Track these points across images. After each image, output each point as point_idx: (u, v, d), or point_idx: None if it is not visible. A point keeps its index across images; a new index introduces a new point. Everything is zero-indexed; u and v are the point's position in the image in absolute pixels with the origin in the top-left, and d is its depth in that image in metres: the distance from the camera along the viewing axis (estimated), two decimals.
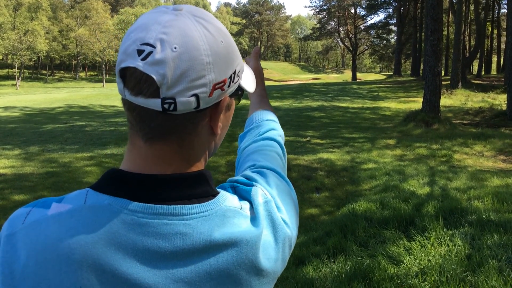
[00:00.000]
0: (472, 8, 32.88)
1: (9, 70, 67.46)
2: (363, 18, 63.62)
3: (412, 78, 35.48)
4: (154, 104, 0.69)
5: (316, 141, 11.50)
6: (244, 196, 0.83)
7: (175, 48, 0.68)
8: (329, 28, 66.82)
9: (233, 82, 0.78)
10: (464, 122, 15.09)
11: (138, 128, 0.73)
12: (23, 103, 24.04)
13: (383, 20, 59.90)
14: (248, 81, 0.90)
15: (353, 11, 63.44)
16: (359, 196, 6.46)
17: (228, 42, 0.76)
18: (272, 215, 0.81)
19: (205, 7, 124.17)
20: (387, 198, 5.89)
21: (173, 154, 0.74)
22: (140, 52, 0.68)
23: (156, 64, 0.67)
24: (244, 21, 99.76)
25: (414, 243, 4.32)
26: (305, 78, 77.50)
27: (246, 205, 0.80)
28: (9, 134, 12.69)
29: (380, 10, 57.43)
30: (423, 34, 31.52)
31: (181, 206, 0.71)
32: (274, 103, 20.59)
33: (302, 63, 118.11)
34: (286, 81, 68.82)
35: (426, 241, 4.33)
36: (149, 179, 0.72)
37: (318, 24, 69.50)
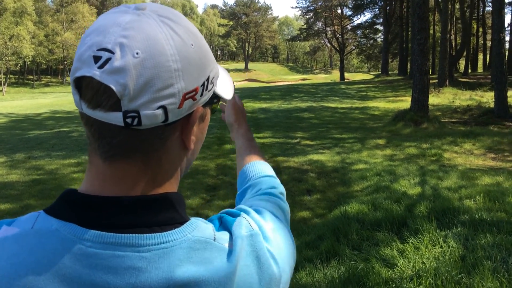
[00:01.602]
0: (457, 6, 33.16)
1: None
2: (350, 18, 63.82)
3: (399, 77, 35.65)
4: (115, 118, 0.60)
5: (306, 142, 11.45)
6: (226, 226, 0.72)
7: (137, 53, 0.59)
8: (316, 28, 66.94)
9: (206, 90, 0.69)
10: (453, 120, 15.15)
11: (96, 145, 0.64)
12: (8, 109, 23.71)
13: (370, 20, 60.23)
14: (224, 88, 0.79)
15: (339, 11, 63.65)
16: (350, 198, 6.40)
17: (199, 45, 0.67)
18: (258, 251, 0.70)
19: (192, 9, 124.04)
20: (378, 199, 5.84)
21: (137, 174, 0.65)
22: (96, 59, 0.59)
23: (115, 72, 0.58)
24: (231, 22, 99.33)
25: (407, 245, 4.26)
26: (294, 78, 77.67)
27: (224, 235, 0.69)
28: None
29: (366, 10, 57.72)
30: (409, 33, 31.70)
31: (136, 235, 0.61)
32: (263, 105, 20.53)
33: (290, 64, 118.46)
34: (275, 82, 68.86)
35: (419, 242, 4.28)
36: (101, 202, 0.63)
37: (305, 25, 69.61)
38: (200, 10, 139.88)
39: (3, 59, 57.04)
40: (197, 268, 0.62)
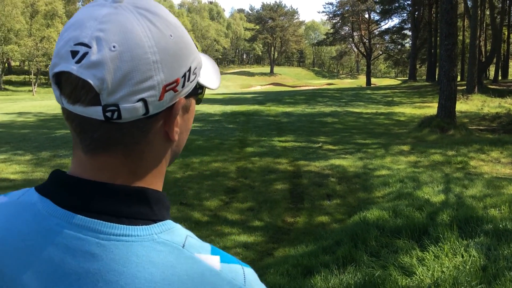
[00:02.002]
0: (487, 12, 32.49)
1: (26, 76, 68.30)
2: (377, 23, 63.25)
3: (427, 83, 35.10)
4: (95, 112, 0.59)
5: (328, 147, 11.35)
6: (220, 253, 0.66)
7: (114, 47, 0.58)
8: (343, 33, 66.54)
9: (188, 81, 0.67)
10: (481, 128, 14.81)
11: (78, 140, 0.65)
12: (37, 109, 24.24)
13: (398, 25, 59.35)
14: (209, 77, 0.77)
15: (367, 16, 63.15)
16: (371, 204, 6.31)
17: (179, 36, 0.65)
18: None
19: (218, 13, 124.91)
20: (400, 206, 5.73)
21: (117, 166, 0.65)
22: (74, 53, 0.59)
23: (93, 66, 0.58)
24: (257, 27, 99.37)
25: (427, 253, 4.17)
26: (319, 83, 77.31)
27: (201, 248, 0.64)
28: (22, 140, 12.76)
29: (394, 15, 56.92)
30: (438, 38, 31.25)
31: (101, 222, 0.60)
32: (286, 109, 20.48)
33: (316, 68, 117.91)
34: (300, 86, 68.74)
35: (440, 251, 4.18)
36: (77, 183, 0.63)
37: (331, 29, 69.27)
38: (227, 14, 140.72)
39: (34, 60, 58.36)
40: (154, 269, 0.59)
